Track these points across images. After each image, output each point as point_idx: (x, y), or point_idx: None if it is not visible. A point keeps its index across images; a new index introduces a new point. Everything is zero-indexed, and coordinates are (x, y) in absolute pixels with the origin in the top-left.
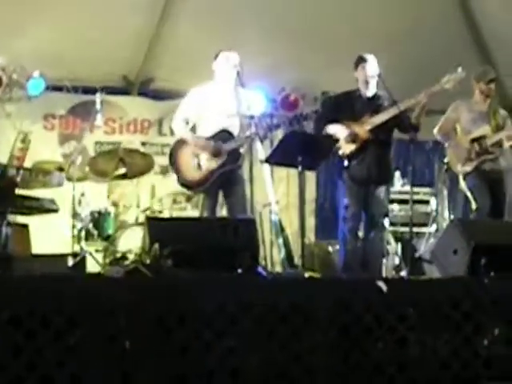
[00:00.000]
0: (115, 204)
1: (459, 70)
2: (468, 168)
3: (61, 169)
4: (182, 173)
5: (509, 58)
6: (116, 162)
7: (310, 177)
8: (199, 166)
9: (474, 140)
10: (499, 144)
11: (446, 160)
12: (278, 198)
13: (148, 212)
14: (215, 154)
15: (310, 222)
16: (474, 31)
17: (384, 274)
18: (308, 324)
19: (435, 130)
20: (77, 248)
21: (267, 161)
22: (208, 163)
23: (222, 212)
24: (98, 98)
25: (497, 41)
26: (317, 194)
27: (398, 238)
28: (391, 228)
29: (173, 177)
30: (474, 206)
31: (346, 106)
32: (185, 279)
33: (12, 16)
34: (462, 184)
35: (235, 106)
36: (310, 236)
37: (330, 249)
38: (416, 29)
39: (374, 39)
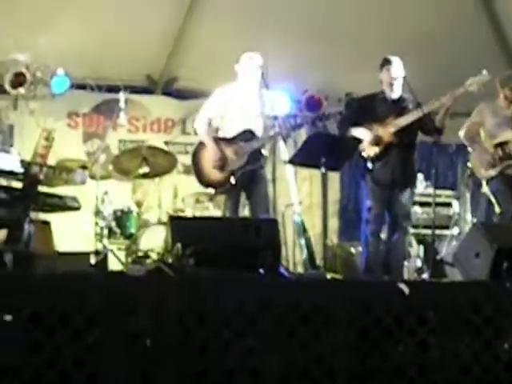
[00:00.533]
0: (138, 203)
1: (484, 72)
2: (492, 173)
3: (84, 167)
4: (205, 173)
5: None
6: (139, 161)
7: (334, 178)
8: (221, 166)
9: (497, 145)
10: None
11: (469, 164)
12: (301, 198)
13: (170, 211)
14: (221, 167)
15: (334, 223)
16: (499, 33)
17: (406, 277)
18: (329, 325)
19: (461, 134)
20: (99, 246)
21: (291, 161)
22: (230, 164)
23: (245, 212)
24: (121, 96)
25: None
26: (341, 194)
27: (420, 240)
28: (413, 230)
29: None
30: (497, 210)
31: (371, 108)
32: (206, 278)
33: (36, 14)
34: (486, 188)
35: (259, 107)
36: (333, 237)
37: (353, 250)
38: (440, 31)
39: (399, 41)
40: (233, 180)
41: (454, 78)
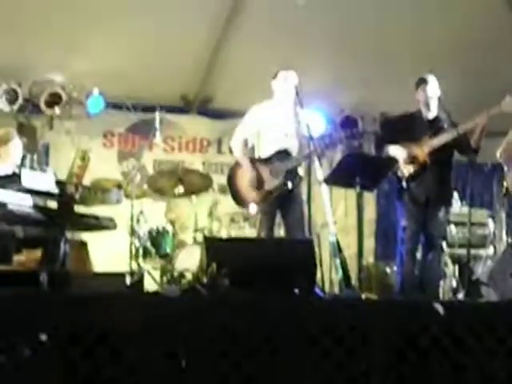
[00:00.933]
0: (173, 222)
1: None
2: None
3: (119, 186)
4: (241, 193)
5: None
6: (175, 181)
7: (370, 197)
8: (257, 186)
9: None
10: None
11: (504, 184)
12: (336, 218)
13: (206, 231)
14: (257, 187)
15: (370, 243)
16: None
17: (441, 297)
18: (364, 346)
19: (498, 153)
20: (134, 266)
21: (326, 181)
22: (267, 183)
23: (280, 232)
24: (157, 116)
25: None
26: (377, 214)
27: (456, 260)
28: (448, 250)
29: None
30: None
31: (406, 127)
32: (241, 299)
33: (72, 34)
34: None
35: (294, 127)
36: (369, 257)
37: (388, 270)
38: (476, 47)
39: (434, 59)
40: (253, 209)
41: (492, 96)
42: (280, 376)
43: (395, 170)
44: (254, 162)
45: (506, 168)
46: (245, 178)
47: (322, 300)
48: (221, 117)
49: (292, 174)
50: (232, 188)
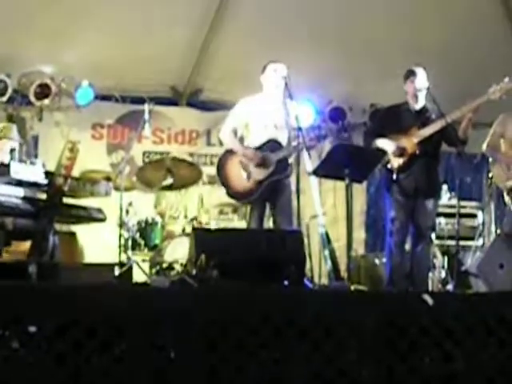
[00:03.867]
0: (162, 214)
1: (506, 79)
2: None
3: (108, 178)
4: (231, 184)
5: None
6: (163, 173)
7: (360, 189)
8: (248, 176)
9: None
10: None
11: (490, 175)
12: (325, 210)
13: (195, 222)
14: (263, 164)
15: (360, 234)
16: None
17: (430, 288)
18: (353, 337)
19: (484, 146)
20: (123, 257)
21: (314, 173)
22: (257, 173)
23: (269, 223)
24: (146, 108)
25: None
26: (367, 206)
27: (445, 251)
28: (437, 241)
29: (220, 187)
30: None
31: (395, 119)
32: (230, 290)
33: (61, 26)
34: (507, 198)
35: (283, 118)
36: (360, 248)
37: (377, 261)
38: (462, 39)
39: (423, 51)
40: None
41: (477, 88)
42: (270, 368)
43: (385, 163)
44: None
45: (491, 159)
46: (235, 167)
47: (312, 291)
48: (210, 109)
49: (283, 164)
50: (222, 178)
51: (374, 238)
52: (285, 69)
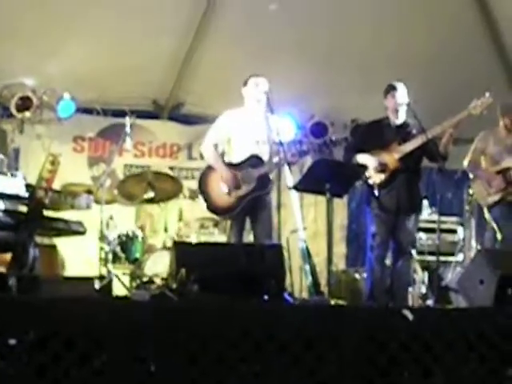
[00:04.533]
0: (142, 228)
1: (487, 95)
2: (494, 199)
3: (89, 191)
4: (212, 198)
5: None
6: (144, 186)
7: (342, 204)
8: (229, 192)
9: (499, 172)
10: None
11: (470, 191)
12: (306, 224)
13: (175, 236)
14: (236, 187)
15: (341, 248)
16: (504, 59)
17: (410, 303)
18: (333, 351)
19: (465, 163)
20: (104, 271)
21: (295, 188)
22: (238, 189)
23: (249, 238)
24: (127, 121)
25: None
26: (348, 220)
27: (425, 266)
28: (418, 257)
29: (201, 201)
30: (499, 236)
31: (376, 134)
32: (210, 304)
33: (44, 38)
34: (487, 215)
35: (265, 133)
36: (341, 263)
37: (357, 276)
38: (444, 54)
39: (405, 66)
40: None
41: (459, 103)
42: (250, 382)
43: (366, 178)
44: (226, 166)
45: (471, 176)
46: (216, 182)
47: (292, 306)
48: (191, 122)
49: (264, 179)
50: (203, 193)
51: (355, 253)
52: (266, 83)
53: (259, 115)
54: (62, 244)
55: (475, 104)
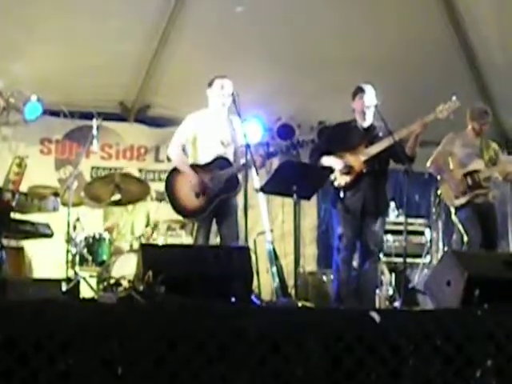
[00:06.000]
0: (110, 230)
1: (453, 98)
2: (461, 201)
3: (56, 194)
4: (179, 200)
5: (504, 89)
6: (111, 188)
7: (311, 205)
8: (197, 194)
9: (466, 174)
10: (490, 178)
11: (438, 192)
12: (275, 226)
13: (142, 239)
14: (203, 190)
15: (312, 250)
16: (472, 62)
17: (377, 305)
18: (300, 354)
19: (428, 163)
20: (71, 273)
21: (262, 190)
22: (205, 191)
23: (216, 240)
24: (94, 123)
25: (492, 69)
26: (318, 222)
27: (392, 268)
28: (385, 259)
29: (169, 204)
30: (465, 238)
31: (342, 136)
32: (177, 306)
33: (9, 40)
34: (454, 217)
35: (230, 135)
36: (312, 264)
37: (325, 278)
38: (411, 57)
39: (372, 69)
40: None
41: (426, 106)
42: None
43: (332, 180)
44: (193, 168)
45: (438, 177)
46: (184, 184)
47: (259, 308)
48: (158, 125)
49: (232, 181)
50: (170, 195)
51: (325, 254)
52: (231, 85)
53: (224, 117)
54: (29, 246)
55: (442, 107)
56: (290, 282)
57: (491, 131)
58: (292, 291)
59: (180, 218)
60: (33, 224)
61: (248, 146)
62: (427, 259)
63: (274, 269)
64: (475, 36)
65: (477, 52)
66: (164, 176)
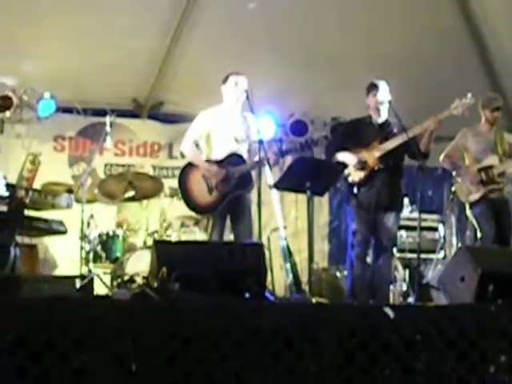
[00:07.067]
0: (123, 226)
1: (469, 95)
2: (475, 196)
3: (70, 191)
4: (193, 197)
5: None
6: (125, 185)
7: (324, 201)
8: (210, 190)
9: (481, 169)
10: (504, 173)
11: (453, 188)
12: (288, 223)
13: (156, 235)
14: (225, 180)
15: (324, 246)
16: (485, 57)
17: (391, 301)
18: (314, 349)
19: (441, 157)
20: (85, 270)
21: (276, 186)
22: (219, 187)
23: (230, 236)
24: (107, 120)
25: (504, 62)
26: (330, 218)
27: (406, 264)
28: (399, 254)
29: (182, 200)
30: (479, 234)
31: (356, 132)
32: (191, 303)
33: (23, 37)
34: (468, 212)
35: (244, 131)
36: (324, 261)
37: (338, 274)
38: (426, 54)
39: (385, 64)
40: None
41: (439, 102)
42: (231, 381)
43: (346, 176)
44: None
45: (453, 172)
46: (197, 181)
47: (273, 304)
48: (172, 121)
49: (245, 178)
50: (183, 192)
51: (337, 250)
52: (246, 81)
53: (238, 113)
54: (43, 243)
55: (457, 104)
56: (304, 278)
57: (503, 124)
58: (306, 287)
59: (194, 214)
60: (46, 221)
61: (261, 143)
62: (441, 255)
63: (288, 265)
64: (488, 32)
65: (488, 46)
66: (177, 172)
